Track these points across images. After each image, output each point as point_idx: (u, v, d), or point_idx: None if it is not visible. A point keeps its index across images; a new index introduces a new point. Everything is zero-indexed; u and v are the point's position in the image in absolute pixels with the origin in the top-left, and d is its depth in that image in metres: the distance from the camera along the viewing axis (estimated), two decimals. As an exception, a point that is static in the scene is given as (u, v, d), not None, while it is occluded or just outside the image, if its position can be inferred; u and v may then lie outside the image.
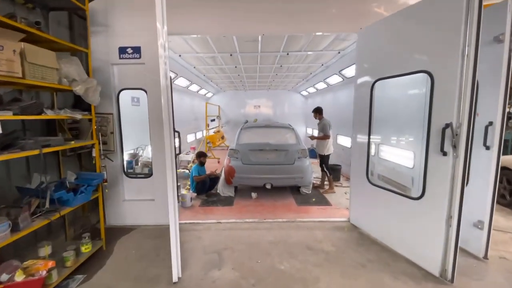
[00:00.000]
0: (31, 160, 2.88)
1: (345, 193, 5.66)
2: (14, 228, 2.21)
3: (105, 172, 3.42)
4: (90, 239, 3.31)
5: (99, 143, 3.34)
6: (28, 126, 2.89)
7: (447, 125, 2.51)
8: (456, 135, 2.47)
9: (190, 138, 9.35)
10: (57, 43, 2.70)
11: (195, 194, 5.42)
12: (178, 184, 5.61)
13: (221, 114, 12.47)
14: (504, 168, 4.79)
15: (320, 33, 3.77)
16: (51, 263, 2.45)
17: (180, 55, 5.15)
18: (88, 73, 3.17)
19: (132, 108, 5.06)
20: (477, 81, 2.99)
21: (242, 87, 11.11)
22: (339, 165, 6.82)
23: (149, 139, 3.83)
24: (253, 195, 5.39)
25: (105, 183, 3.44)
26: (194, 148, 8.77)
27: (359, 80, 3.74)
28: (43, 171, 2.59)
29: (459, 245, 2.58)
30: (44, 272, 2.36)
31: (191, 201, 5.03)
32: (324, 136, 5.55)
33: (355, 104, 3.87)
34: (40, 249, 2.78)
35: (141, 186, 4.07)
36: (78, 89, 2.86)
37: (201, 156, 5.47)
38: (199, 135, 10.55)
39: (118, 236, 3.82)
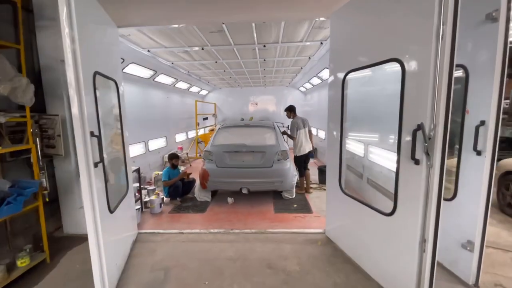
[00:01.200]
0: None
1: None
2: None
3: (44, 179, 3.12)
4: (32, 251, 3.06)
5: (37, 148, 3.04)
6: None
7: (419, 127, 2.00)
8: (429, 139, 1.95)
9: (180, 137, 9.05)
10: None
11: (168, 198, 5.11)
12: (146, 187, 5.38)
13: (217, 112, 12.13)
14: (509, 173, 4.14)
15: (285, 21, 3.31)
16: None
17: (148, 50, 4.80)
18: (22, 71, 2.87)
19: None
20: (467, 70, 2.47)
21: (236, 84, 10.70)
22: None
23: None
24: (229, 200, 4.99)
25: (45, 191, 3.15)
26: (181, 148, 8.47)
27: (331, 74, 3.24)
28: None
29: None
30: None
31: (160, 207, 4.71)
32: (290, 136, 5.37)
33: (329, 102, 3.37)
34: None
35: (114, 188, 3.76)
36: (1, 89, 2.55)
37: (172, 158, 5.13)
38: (192, 134, 10.25)
39: (72, 246, 3.54)
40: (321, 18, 3.35)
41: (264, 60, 5.89)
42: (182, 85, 8.59)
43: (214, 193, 5.33)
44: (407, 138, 2.13)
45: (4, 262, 2.69)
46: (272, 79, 9.51)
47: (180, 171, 5.50)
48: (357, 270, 2.86)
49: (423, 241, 2.08)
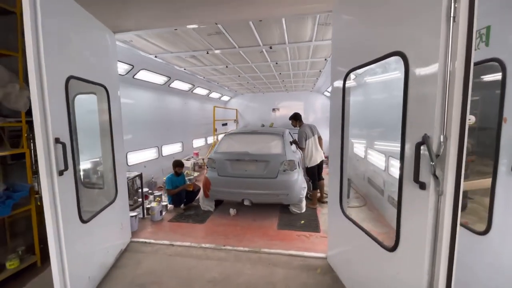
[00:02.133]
0: None
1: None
2: None
3: (36, 183, 3.16)
4: (24, 253, 3.11)
5: (31, 152, 3.10)
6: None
7: (423, 140, 1.50)
8: (438, 156, 1.45)
9: (198, 143, 9.07)
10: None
11: (172, 205, 5.00)
12: (150, 191, 5.34)
13: (239, 118, 12.02)
14: None
15: (284, 18, 2.98)
16: None
17: (155, 56, 4.81)
18: (20, 78, 2.96)
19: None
20: (504, 65, 1.88)
21: (257, 90, 10.46)
22: (348, 179, 5.66)
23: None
24: (232, 211, 4.70)
25: (37, 195, 3.19)
26: (197, 154, 8.45)
27: (334, 75, 2.79)
28: None
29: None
30: None
31: (161, 214, 4.60)
32: (298, 146, 5.03)
33: (330, 107, 2.93)
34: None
35: (97, 197, 3.76)
36: (-11, 94, 2.62)
37: (176, 166, 5.02)
38: (211, 140, 10.24)
39: (67, 250, 3.56)
40: (323, 13, 2.93)
41: (277, 63, 5.55)
42: (200, 91, 8.63)
43: (218, 203, 5.10)
44: (410, 153, 1.63)
45: (-9, 263, 2.73)
46: (292, 84, 9.08)
47: (186, 179, 5.40)
48: (357, 312, 2.35)
49: (431, 290, 1.55)
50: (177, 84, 6.97)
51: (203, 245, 3.57)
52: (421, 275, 1.58)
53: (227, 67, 5.79)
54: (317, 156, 5.00)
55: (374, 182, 4.99)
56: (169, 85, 6.69)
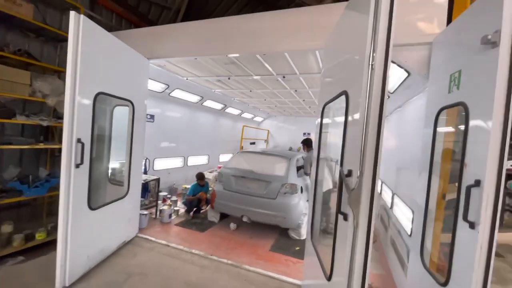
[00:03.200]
0: (8, 155, 3.62)
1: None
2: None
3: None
4: (53, 229, 3.83)
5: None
6: (25, 130, 3.73)
7: (350, 172, 1.61)
8: (353, 189, 1.54)
9: (224, 158, 9.62)
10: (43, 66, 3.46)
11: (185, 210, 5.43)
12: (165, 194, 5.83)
13: (270, 138, 12.35)
14: None
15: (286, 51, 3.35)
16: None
17: (186, 78, 5.56)
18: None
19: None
20: (467, 109, 1.87)
21: (288, 113, 10.74)
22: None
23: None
24: (232, 226, 4.91)
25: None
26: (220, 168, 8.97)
27: (318, 105, 2.96)
28: (16, 164, 3.28)
29: None
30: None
31: (170, 217, 5.07)
32: (305, 172, 5.15)
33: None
34: (2, 226, 3.41)
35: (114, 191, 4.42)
36: (50, 102, 3.50)
37: (198, 179, 5.62)
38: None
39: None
40: (318, 49, 3.18)
41: (296, 90, 5.82)
42: (232, 110, 9.30)
43: (224, 216, 5.35)
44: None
45: (25, 232, 3.47)
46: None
47: (210, 188, 5.88)
48: None
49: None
50: (209, 103, 7.72)
51: (193, 250, 3.86)
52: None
53: (251, 91, 6.27)
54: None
55: (383, 220, 4.69)
56: (201, 104, 7.47)
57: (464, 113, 1.90)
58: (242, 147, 9.66)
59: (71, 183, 2.72)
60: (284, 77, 4.68)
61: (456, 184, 1.93)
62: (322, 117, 2.66)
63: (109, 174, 4.50)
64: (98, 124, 4.31)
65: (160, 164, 6.50)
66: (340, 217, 1.67)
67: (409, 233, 2.91)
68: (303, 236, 4.69)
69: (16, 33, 3.51)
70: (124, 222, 3.86)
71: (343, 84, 1.96)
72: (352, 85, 1.77)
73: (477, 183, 1.71)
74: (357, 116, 1.60)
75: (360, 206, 1.48)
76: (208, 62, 4.30)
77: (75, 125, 2.72)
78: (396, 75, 3.32)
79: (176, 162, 7.12)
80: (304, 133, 11.81)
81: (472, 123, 1.81)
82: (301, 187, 4.66)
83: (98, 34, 3.02)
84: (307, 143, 5.37)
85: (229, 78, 5.14)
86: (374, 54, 1.49)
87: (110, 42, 3.25)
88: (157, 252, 3.80)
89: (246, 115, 10.61)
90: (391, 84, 3.77)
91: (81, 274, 2.98)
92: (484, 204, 1.61)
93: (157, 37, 4.02)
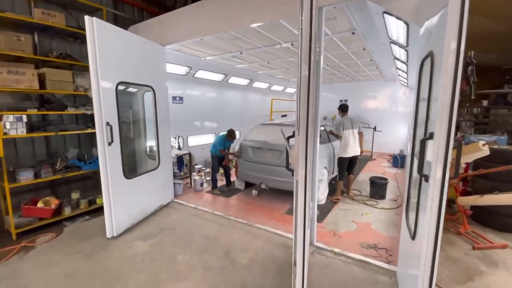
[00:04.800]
0: (69, 139, 4.60)
1: (362, 215, 4.42)
2: (37, 176, 3.85)
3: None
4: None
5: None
6: (79, 119, 4.67)
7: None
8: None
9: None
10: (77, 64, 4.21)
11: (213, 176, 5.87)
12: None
13: (304, 109, 12.11)
14: None
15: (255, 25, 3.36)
16: (57, 202, 4.01)
17: (205, 59, 5.89)
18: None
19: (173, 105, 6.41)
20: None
21: (323, 82, 10.27)
22: (385, 179, 5.23)
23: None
24: (253, 192, 5.36)
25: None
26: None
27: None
28: (76, 146, 4.26)
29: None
30: (53, 206, 3.94)
31: (201, 186, 5.78)
32: (336, 135, 5.18)
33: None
34: (72, 193, 4.50)
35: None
36: (89, 94, 4.27)
37: (229, 135, 5.55)
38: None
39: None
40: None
41: (327, 65, 5.64)
42: (260, 85, 9.41)
43: (249, 184, 5.78)
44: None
45: (89, 198, 4.50)
46: (352, 74, 8.54)
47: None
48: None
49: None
50: (234, 80, 8.00)
51: (215, 212, 4.45)
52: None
53: (268, 63, 6.30)
54: (352, 149, 5.05)
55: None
56: (227, 81, 7.80)
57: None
58: (271, 120, 9.84)
59: (107, 158, 3.44)
60: (292, 44, 4.61)
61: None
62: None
63: (148, 151, 5.33)
64: (133, 109, 5.14)
65: (194, 140, 7.23)
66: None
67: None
68: (322, 202, 4.87)
69: (58, 39, 4.30)
70: (159, 189, 4.63)
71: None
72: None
73: (431, 135, 1.68)
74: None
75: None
76: (215, 40, 4.52)
77: (102, 111, 3.35)
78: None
79: (209, 139, 7.79)
80: (341, 100, 11.23)
81: (434, 75, 1.72)
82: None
83: (111, 32, 3.52)
84: (342, 108, 5.35)
85: (241, 53, 5.28)
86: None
87: (124, 37, 3.74)
88: (187, 213, 4.50)
89: (276, 87, 10.59)
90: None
91: (125, 228, 3.82)
92: (434, 157, 1.59)
93: (167, 24, 4.39)
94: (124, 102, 5.03)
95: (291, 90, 11.94)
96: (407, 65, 5.95)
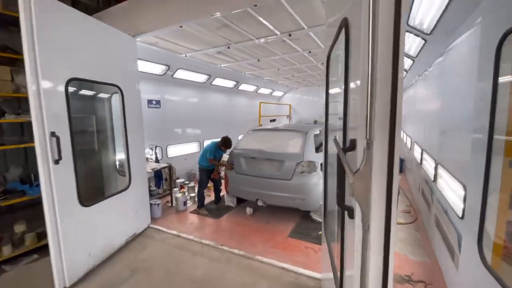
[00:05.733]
0: (10, 155, 3.56)
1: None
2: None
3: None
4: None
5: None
6: (25, 128, 3.64)
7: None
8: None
9: (244, 138, 9.20)
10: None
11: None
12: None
13: (292, 113, 11.56)
14: None
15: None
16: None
17: (185, 55, 5.06)
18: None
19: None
20: None
21: (310, 83, 9.74)
22: (396, 188, 4.63)
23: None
24: (248, 210, 4.54)
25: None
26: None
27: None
28: (19, 164, 3.21)
29: None
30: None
31: (185, 205, 4.87)
32: None
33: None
34: (15, 226, 3.43)
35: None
36: (36, 96, 3.28)
37: (223, 143, 4.62)
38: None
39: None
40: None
41: (310, 52, 4.99)
42: (247, 87, 8.69)
43: (242, 199, 4.96)
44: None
45: (37, 230, 3.46)
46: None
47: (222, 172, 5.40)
48: None
49: None
50: (219, 82, 7.21)
51: (203, 241, 3.57)
52: None
53: (258, 60, 5.58)
54: None
55: (425, 195, 3.91)
56: (211, 83, 6.99)
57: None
58: (260, 125, 9.11)
59: (52, 181, 2.49)
60: (290, 35, 3.92)
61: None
62: (328, 72, 1.99)
63: (118, 166, 4.36)
64: (97, 115, 4.18)
65: (174, 150, 6.30)
66: (344, 213, 1.10)
67: (460, 214, 2.20)
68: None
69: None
70: (130, 214, 3.68)
71: (343, 9, 1.29)
72: (353, 8, 1.11)
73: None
74: (358, 52, 0.97)
75: (371, 198, 0.89)
76: (198, 30, 3.73)
77: (45, 118, 2.43)
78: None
79: (192, 147, 6.89)
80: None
81: None
82: (321, 164, 4.04)
83: (58, 9, 2.61)
84: None
85: (228, 47, 4.52)
86: None
87: (78, 20, 2.85)
88: (167, 244, 3.59)
89: (263, 90, 9.92)
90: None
91: (83, 273, 2.86)
92: None
93: (138, 10, 3.54)
94: (86, 107, 4.09)
95: (279, 93, 11.33)
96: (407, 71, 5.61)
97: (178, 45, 4.47)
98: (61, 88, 2.61)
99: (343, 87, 1.20)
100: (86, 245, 2.91)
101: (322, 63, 6.07)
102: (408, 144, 6.83)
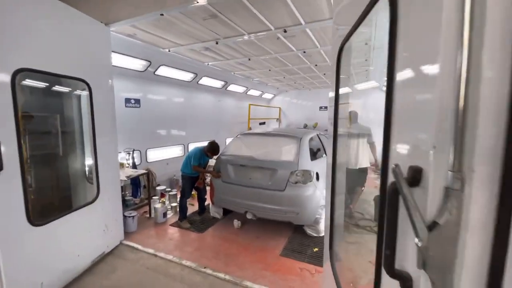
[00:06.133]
0: None
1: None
2: None
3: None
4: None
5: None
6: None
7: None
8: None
9: (232, 142, 8.74)
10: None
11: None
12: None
13: (282, 117, 11.25)
14: None
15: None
16: None
17: (169, 50, 4.59)
18: None
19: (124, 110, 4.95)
20: None
21: (300, 86, 9.47)
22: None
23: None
24: (235, 223, 4.11)
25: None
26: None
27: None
28: None
29: None
30: None
31: (164, 216, 4.36)
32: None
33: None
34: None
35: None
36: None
37: (210, 149, 4.10)
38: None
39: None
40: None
41: (304, 52, 4.66)
42: (236, 88, 8.28)
43: (229, 210, 4.50)
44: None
45: None
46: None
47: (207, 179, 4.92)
48: None
49: None
50: (206, 81, 6.75)
51: (183, 262, 3.11)
52: None
53: (249, 59, 5.19)
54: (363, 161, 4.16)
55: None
56: (197, 82, 6.52)
57: None
58: (250, 129, 8.72)
59: (-10, 197, 1.97)
60: (285, 31, 3.56)
61: None
62: (338, 67, 1.61)
63: (87, 173, 3.80)
64: (65, 114, 3.63)
65: (155, 154, 5.76)
66: (388, 281, 0.71)
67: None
68: (322, 233, 3.80)
69: None
70: (98, 231, 3.15)
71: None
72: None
73: None
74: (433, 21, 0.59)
75: (462, 275, 0.51)
76: (182, 20, 3.28)
77: None
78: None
79: (175, 151, 6.36)
80: (321, 107, 10.56)
81: None
82: (317, 174, 3.68)
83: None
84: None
85: (217, 43, 4.10)
86: None
87: (38, 1, 2.33)
88: (141, 265, 3.09)
89: (253, 92, 9.54)
90: None
91: (33, 307, 2.32)
92: None
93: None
94: (50, 105, 3.55)
95: (269, 95, 10.99)
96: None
97: (160, 38, 3.99)
98: (6, 80, 2.09)
99: (387, 79, 0.82)
100: (38, 272, 2.38)
101: (316, 65, 5.78)
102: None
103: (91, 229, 3.05)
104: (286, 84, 8.83)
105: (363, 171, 4.29)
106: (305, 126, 10.12)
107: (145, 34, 3.85)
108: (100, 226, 3.21)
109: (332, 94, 1.74)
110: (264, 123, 10.52)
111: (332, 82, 1.71)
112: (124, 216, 3.86)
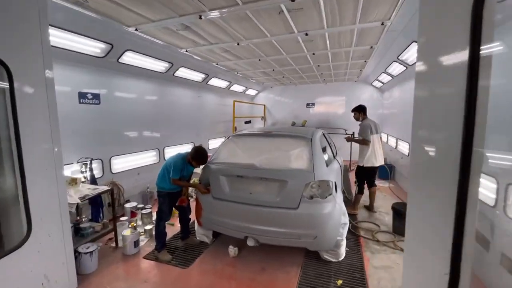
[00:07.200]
0: None
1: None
2: None
3: None
4: None
5: None
6: None
7: None
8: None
9: (215, 143, 7.72)
10: None
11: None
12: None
13: (267, 115, 10.44)
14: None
15: None
16: None
17: (136, 29, 3.49)
18: None
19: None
20: None
21: (288, 81, 8.72)
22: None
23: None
24: (231, 251, 3.20)
25: None
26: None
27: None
28: None
29: None
30: None
31: (136, 246, 3.33)
32: (362, 140, 4.31)
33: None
34: None
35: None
36: None
37: (195, 158, 3.12)
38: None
39: None
40: None
41: (306, 34, 3.84)
42: (218, 82, 7.30)
43: (216, 233, 3.55)
44: None
45: None
46: (331, 74, 7.29)
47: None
48: None
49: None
50: (184, 73, 5.72)
51: (165, 322, 2.16)
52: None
53: (238, 44, 4.27)
54: (377, 158, 4.32)
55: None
56: (173, 74, 5.46)
57: None
58: (235, 128, 7.78)
59: None
60: (306, 34, 3.02)
61: None
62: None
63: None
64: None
65: (122, 163, 4.64)
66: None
67: None
68: (342, 256, 3.05)
69: None
70: (32, 287, 2.09)
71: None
72: None
73: None
74: None
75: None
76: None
77: None
78: None
79: (148, 158, 5.25)
80: (308, 104, 9.91)
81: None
82: (335, 184, 2.90)
83: None
84: (361, 110, 4.51)
85: (200, 17, 3.14)
86: None
87: None
88: (101, 333, 2.09)
89: (236, 87, 8.61)
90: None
91: None
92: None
93: None
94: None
95: (252, 92, 10.10)
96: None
97: (123, 8, 2.93)
98: None
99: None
100: None
101: (314, 53, 4.99)
102: (403, 149, 6.19)
103: (20, 283, 1.98)
104: (273, 78, 8.00)
105: None
106: (293, 124, 9.41)
107: (101, 1, 2.78)
108: (37, 279, 2.15)
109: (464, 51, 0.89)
110: (250, 121, 9.62)
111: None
112: (78, 253, 2.80)
